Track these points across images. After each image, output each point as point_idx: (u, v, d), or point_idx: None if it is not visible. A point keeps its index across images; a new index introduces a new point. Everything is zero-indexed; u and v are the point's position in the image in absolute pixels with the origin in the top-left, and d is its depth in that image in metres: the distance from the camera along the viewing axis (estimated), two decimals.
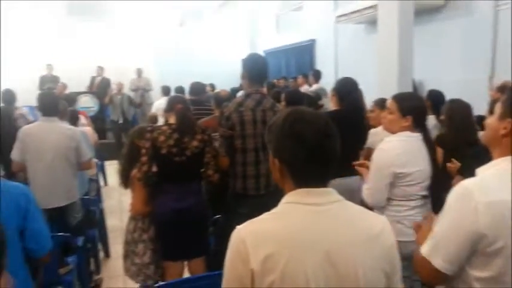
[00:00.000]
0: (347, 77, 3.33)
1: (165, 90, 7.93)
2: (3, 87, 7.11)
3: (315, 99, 4.58)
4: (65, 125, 3.62)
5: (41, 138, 3.37)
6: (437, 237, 1.34)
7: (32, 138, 3.37)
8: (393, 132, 2.30)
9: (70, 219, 3.46)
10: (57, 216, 3.44)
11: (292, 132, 1.13)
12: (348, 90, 3.15)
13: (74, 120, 4.67)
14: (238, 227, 1.13)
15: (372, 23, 7.16)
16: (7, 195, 1.76)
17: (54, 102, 3.58)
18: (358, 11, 7.14)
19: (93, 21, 11.56)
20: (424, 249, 1.37)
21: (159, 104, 7.52)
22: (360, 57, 7.74)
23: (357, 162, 2.56)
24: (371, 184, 2.30)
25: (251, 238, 1.08)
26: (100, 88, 9.98)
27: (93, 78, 10.26)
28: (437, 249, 1.33)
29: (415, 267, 1.46)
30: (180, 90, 6.67)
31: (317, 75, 7.05)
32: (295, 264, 1.05)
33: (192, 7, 11.96)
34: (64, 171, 3.42)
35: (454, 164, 2.79)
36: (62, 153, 3.40)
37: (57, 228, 3.03)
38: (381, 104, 3.14)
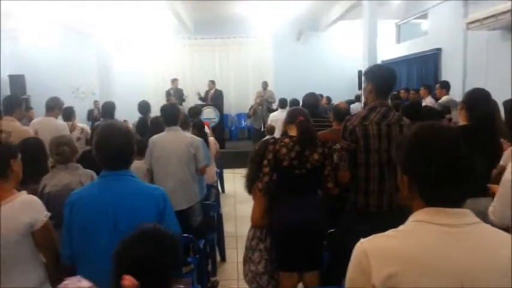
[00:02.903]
0: (477, 88, 3.03)
1: (282, 103, 8.10)
2: (129, 100, 7.99)
3: (440, 112, 4.23)
4: (186, 134, 3.92)
5: (165, 146, 3.71)
6: None
7: (158, 146, 3.72)
8: None
9: (191, 221, 3.71)
10: (179, 219, 3.71)
11: (423, 149, 1.06)
12: (477, 102, 2.84)
13: (200, 129, 5.03)
14: (362, 240, 1.09)
15: (509, 28, 6.49)
16: (148, 196, 1.94)
17: (175, 113, 3.91)
18: (493, 16, 6.52)
19: (216, 38, 12.41)
20: None
21: (273, 116, 7.70)
22: (494, 67, 7.02)
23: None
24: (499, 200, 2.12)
25: (375, 253, 1.04)
26: (213, 100, 10.63)
27: (207, 92, 11.00)
28: None
29: None
30: (295, 102, 6.73)
31: (446, 87, 6.54)
32: None
33: (310, 20, 12.10)
34: (185, 176, 3.71)
35: None
36: (183, 159, 3.68)
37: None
38: None
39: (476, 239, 1.02)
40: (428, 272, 0.98)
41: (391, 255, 1.02)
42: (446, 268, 0.99)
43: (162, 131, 3.91)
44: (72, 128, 5.03)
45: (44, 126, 4.60)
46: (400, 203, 1.19)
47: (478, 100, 2.87)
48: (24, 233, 1.89)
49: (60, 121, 4.96)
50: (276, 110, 8.41)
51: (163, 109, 3.99)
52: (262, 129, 9.37)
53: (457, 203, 1.06)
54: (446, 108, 4.30)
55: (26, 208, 1.91)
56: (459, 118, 3.11)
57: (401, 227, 1.09)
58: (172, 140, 3.73)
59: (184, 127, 4.19)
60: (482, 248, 1.01)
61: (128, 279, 1.25)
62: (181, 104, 9.37)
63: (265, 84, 10.69)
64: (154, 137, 3.88)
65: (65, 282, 1.49)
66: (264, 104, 9.78)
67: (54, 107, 4.94)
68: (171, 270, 1.37)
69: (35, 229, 1.92)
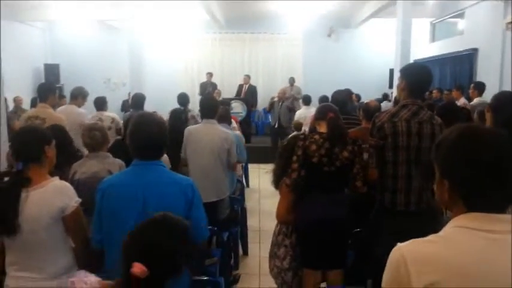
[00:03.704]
0: (505, 91, 2.89)
1: (306, 100, 8.00)
2: (166, 92, 8.16)
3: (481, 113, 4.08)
4: (222, 128, 3.92)
5: (200, 139, 3.72)
6: None
7: (193, 137, 3.75)
8: None
9: (219, 214, 3.73)
10: (207, 211, 3.74)
11: (465, 152, 1.02)
12: (503, 105, 2.66)
13: (227, 123, 5.03)
14: (399, 244, 1.05)
15: None
16: (177, 186, 1.97)
17: (214, 106, 3.91)
18: None
19: (246, 33, 12.43)
20: None
21: (299, 113, 7.64)
22: None
23: None
24: None
25: (414, 260, 1.00)
26: (247, 95, 10.62)
27: (241, 86, 11.00)
28: None
29: None
30: (324, 99, 6.65)
31: (479, 88, 6.26)
32: None
33: (341, 18, 11.94)
34: (217, 169, 3.71)
35: None
36: (216, 153, 3.69)
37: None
38: None
39: None
40: (471, 281, 0.95)
41: (432, 262, 0.98)
42: (490, 277, 0.95)
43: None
44: (98, 118, 5.09)
45: (66, 114, 4.71)
46: (437, 205, 1.14)
47: (504, 103, 2.71)
48: (56, 217, 1.94)
49: (80, 109, 5.07)
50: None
51: (201, 101, 4.02)
52: (276, 126, 9.29)
53: (500, 209, 1.02)
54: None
55: (58, 193, 1.96)
56: (487, 122, 2.98)
57: (441, 233, 1.05)
58: (207, 133, 3.75)
59: (221, 120, 4.21)
60: None
61: (138, 266, 1.25)
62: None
63: (292, 80, 10.55)
64: (191, 127, 3.92)
65: (71, 279, 1.52)
66: (289, 101, 9.60)
67: (78, 95, 5.06)
68: (183, 258, 1.35)
69: (66, 214, 1.96)
